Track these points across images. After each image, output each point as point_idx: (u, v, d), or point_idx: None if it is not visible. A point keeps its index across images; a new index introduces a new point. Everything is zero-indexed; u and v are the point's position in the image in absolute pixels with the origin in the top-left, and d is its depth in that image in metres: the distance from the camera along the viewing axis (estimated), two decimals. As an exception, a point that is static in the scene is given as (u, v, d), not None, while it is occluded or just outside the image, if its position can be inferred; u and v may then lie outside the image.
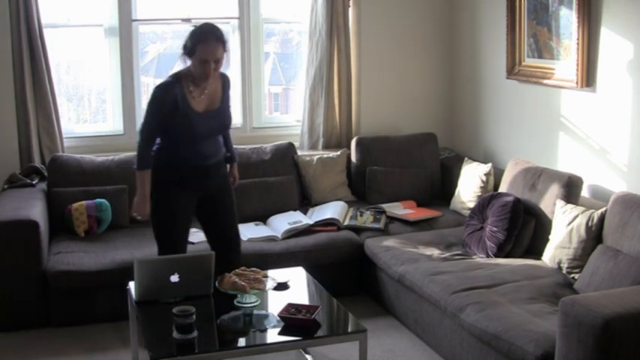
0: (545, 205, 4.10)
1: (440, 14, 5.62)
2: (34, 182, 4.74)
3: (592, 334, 2.68)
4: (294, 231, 4.57)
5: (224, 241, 3.87)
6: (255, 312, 3.11)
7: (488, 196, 4.33)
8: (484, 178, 4.74)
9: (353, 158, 5.26)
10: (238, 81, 5.41)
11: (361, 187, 5.17)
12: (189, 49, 3.53)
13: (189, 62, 3.57)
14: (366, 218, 4.72)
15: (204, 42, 3.49)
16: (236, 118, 5.48)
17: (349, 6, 5.38)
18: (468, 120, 5.54)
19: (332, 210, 4.76)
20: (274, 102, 5.87)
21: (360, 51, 5.50)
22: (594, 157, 4.24)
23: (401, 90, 5.62)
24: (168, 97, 3.54)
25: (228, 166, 4.01)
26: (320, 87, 5.36)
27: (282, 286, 3.42)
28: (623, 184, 3.97)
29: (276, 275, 3.39)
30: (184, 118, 3.56)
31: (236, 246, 3.92)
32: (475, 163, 4.95)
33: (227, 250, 3.82)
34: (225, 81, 3.77)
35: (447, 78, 5.71)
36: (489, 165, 4.83)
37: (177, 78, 3.59)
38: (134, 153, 4.94)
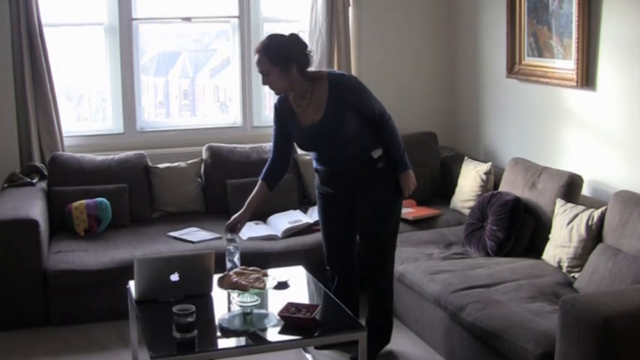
0: (545, 204, 4.10)
1: (440, 14, 5.62)
2: (34, 181, 4.74)
3: (592, 333, 2.68)
4: (294, 230, 4.57)
5: (362, 260, 3.78)
6: (255, 311, 3.11)
7: (489, 195, 4.33)
8: (484, 177, 4.74)
9: (353, 157, 5.25)
10: (238, 80, 5.41)
11: (361, 186, 5.17)
12: None
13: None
14: (366, 217, 4.71)
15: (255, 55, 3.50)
16: (236, 117, 5.49)
17: (349, 5, 5.37)
18: (468, 119, 5.54)
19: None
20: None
21: (360, 51, 5.49)
22: (594, 156, 4.24)
23: (401, 89, 5.61)
24: (280, 109, 3.64)
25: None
26: (320, 86, 5.36)
27: (282, 286, 3.41)
28: (624, 183, 3.96)
29: (276, 274, 3.39)
30: (293, 130, 3.62)
31: (374, 274, 3.75)
32: (475, 162, 4.95)
33: (366, 272, 3.76)
34: (332, 86, 3.51)
35: (447, 77, 5.70)
36: (489, 164, 4.83)
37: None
38: (134, 152, 5.00)
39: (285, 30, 5.78)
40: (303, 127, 3.55)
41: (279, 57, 3.42)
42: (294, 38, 3.52)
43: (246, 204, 3.68)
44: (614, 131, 4.09)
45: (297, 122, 3.56)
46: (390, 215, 3.69)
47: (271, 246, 4.42)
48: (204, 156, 5.05)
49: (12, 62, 4.81)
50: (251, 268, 3.32)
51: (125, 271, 3.89)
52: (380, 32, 5.52)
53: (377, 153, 3.56)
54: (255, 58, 3.48)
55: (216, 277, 3.29)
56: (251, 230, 4.59)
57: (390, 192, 3.64)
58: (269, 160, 3.75)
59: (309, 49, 3.54)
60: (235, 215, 3.66)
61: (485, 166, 4.80)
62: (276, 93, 3.59)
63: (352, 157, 3.56)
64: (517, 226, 4.11)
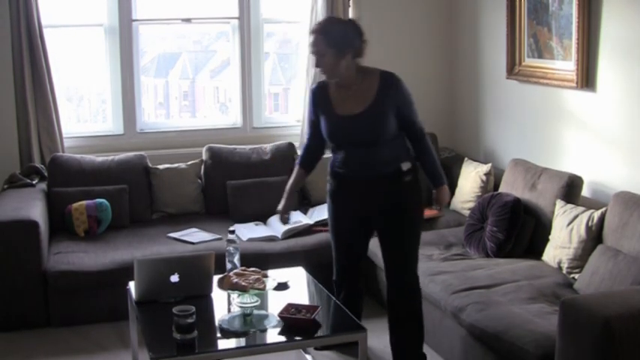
0: (545, 205, 4.10)
1: (440, 14, 5.62)
2: (34, 182, 4.74)
3: (592, 334, 2.67)
4: (294, 231, 4.57)
5: (391, 284, 3.58)
6: (255, 312, 3.11)
7: (489, 196, 4.32)
8: (484, 178, 4.74)
9: (353, 158, 5.25)
10: (238, 81, 5.41)
11: (361, 187, 5.17)
12: None
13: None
14: (366, 218, 4.71)
15: (310, 36, 3.41)
16: (236, 118, 5.49)
17: (349, 6, 5.38)
18: (468, 120, 5.54)
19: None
20: (274, 102, 5.87)
21: (360, 51, 5.49)
22: (594, 156, 4.24)
23: (401, 90, 5.61)
24: (317, 95, 3.49)
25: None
26: (320, 87, 5.36)
27: (282, 286, 3.42)
28: (624, 184, 3.96)
29: (276, 275, 3.39)
30: (326, 121, 3.45)
31: (402, 294, 3.57)
32: (475, 163, 4.95)
33: (396, 297, 3.59)
34: (384, 81, 3.42)
35: (447, 78, 5.70)
36: (489, 165, 4.83)
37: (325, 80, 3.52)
38: (134, 153, 5.00)
39: (285, 30, 5.83)
40: (338, 116, 3.41)
41: (337, 40, 3.33)
42: (353, 24, 3.46)
43: (286, 191, 3.67)
44: (614, 132, 4.09)
45: (332, 111, 3.42)
46: (416, 226, 3.54)
47: (271, 247, 4.42)
48: (204, 157, 5.05)
49: (12, 63, 4.81)
50: (251, 269, 3.32)
51: (125, 272, 3.88)
52: (380, 32, 5.51)
53: (406, 166, 3.44)
54: (310, 38, 3.39)
55: (216, 278, 3.29)
56: (251, 231, 4.59)
57: (416, 206, 3.54)
58: (305, 145, 3.70)
59: (365, 37, 3.45)
60: (281, 205, 3.66)
61: (485, 167, 4.80)
62: (328, 77, 3.44)
63: (382, 162, 3.41)
64: (517, 227, 4.11)
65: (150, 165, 4.93)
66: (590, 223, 3.70)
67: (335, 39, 3.33)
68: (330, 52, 3.33)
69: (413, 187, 3.48)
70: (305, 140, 3.73)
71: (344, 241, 3.65)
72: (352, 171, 3.46)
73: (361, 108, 3.36)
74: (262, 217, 4.80)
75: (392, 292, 3.57)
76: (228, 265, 3.57)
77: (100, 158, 4.89)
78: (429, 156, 3.50)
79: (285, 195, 3.67)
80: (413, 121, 3.45)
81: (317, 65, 3.39)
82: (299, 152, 5.20)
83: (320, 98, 3.48)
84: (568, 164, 4.38)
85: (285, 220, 3.70)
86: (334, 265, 3.73)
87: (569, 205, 3.91)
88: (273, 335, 2.99)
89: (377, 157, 3.40)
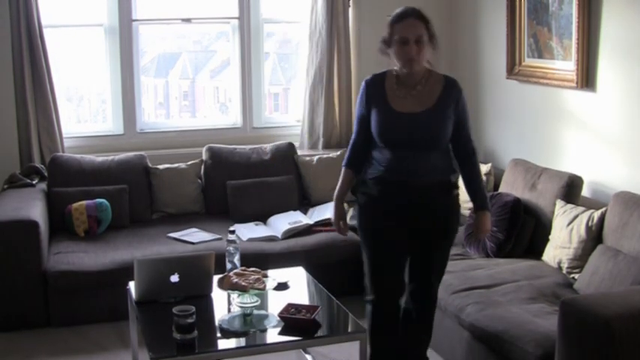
0: (545, 205, 4.10)
1: (440, 14, 5.61)
2: (34, 182, 4.74)
3: (592, 334, 2.67)
4: (294, 231, 4.57)
5: (412, 295, 3.31)
6: (255, 312, 3.11)
7: (489, 196, 4.32)
8: (484, 178, 4.73)
9: (353, 158, 5.24)
10: (238, 81, 5.41)
11: (361, 187, 5.16)
12: (388, 36, 3.17)
13: (392, 61, 3.19)
14: (366, 218, 4.71)
15: (401, 21, 3.13)
16: (236, 118, 5.50)
17: (349, 6, 5.38)
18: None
19: (332, 210, 4.75)
20: (274, 102, 5.87)
21: (360, 51, 5.49)
22: (594, 156, 4.24)
23: (401, 90, 5.61)
24: (372, 88, 3.22)
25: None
26: (320, 87, 5.36)
27: (282, 286, 3.42)
28: (624, 184, 3.96)
29: (276, 275, 3.39)
30: (378, 117, 3.16)
31: (421, 306, 3.32)
32: (475, 163, 4.95)
33: (413, 305, 3.33)
34: (448, 85, 3.19)
35: (447, 78, 5.70)
36: (489, 165, 4.83)
37: (384, 73, 3.25)
38: (134, 153, 5.00)
39: (285, 30, 5.83)
40: (395, 113, 3.14)
41: (433, 31, 3.17)
42: None
43: (335, 198, 3.35)
44: (614, 132, 4.09)
45: (389, 106, 3.15)
46: (453, 242, 3.34)
47: (271, 247, 4.42)
48: (204, 157, 5.05)
49: (12, 63, 4.81)
50: (251, 269, 3.32)
51: (125, 272, 3.88)
52: (380, 33, 5.49)
53: (454, 177, 3.23)
54: (406, 21, 3.13)
55: (216, 278, 3.29)
56: (251, 231, 4.59)
57: (458, 222, 3.34)
58: (351, 143, 3.33)
59: None
60: (334, 215, 3.38)
61: (485, 167, 4.80)
62: (416, 68, 3.13)
63: (434, 169, 3.16)
64: (517, 227, 4.11)
65: (150, 165, 4.93)
66: (590, 223, 3.70)
67: (432, 29, 3.17)
68: (427, 42, 3.12)
69: (458, 203, 3.28)
70: (352, 140, 3.34)
71: (385, 253, 3.26)
72: (399, 175, 3.15)
73: (422, 108, 3.13)
74: (262, 217, 4.80)
75: (413, 302, 3.32)
76: (228, 265, 3.57)
77: (100, 158, 4.89)
78: (478, 176, 3.29)
79: (334, 203, 3.36)
80: (468, 134, 3.24)
81: (411, 51, 3.08)
82: (299, 152, 5.24)
83: (375, 91, 3.22)
84: (568, 164, 4.38)
85: (344, 232, 3.39)
86: (369, 283, 3.30)
87: (569, 205, 3.91)
88: (273, 335, 2.99)
89: (428, 164, 3.14)
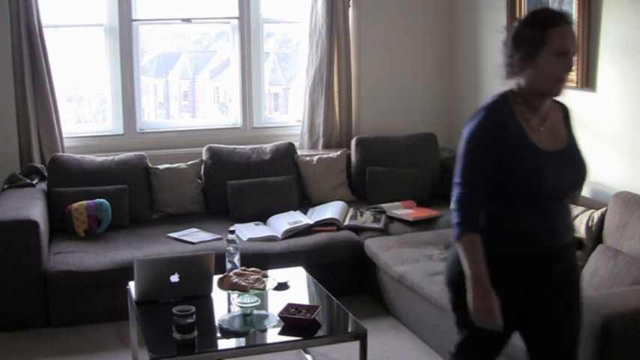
0: (545, 205, 4.09)
1: (440, 14, 5.62)
2: (34, 182, 4.74)
3: (592, 334, 2.67)
4: (294, 231, 4.57)
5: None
6: (255, 312, 3.11)
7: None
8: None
9: (353, 158, 5.26)
10: (238, 81, 5.42)
11: (361, 187, 5.17)
12: (535, 42, 2.40)
13: (523, 74, 2.53)
14: (366, 218, 4.72)
15: (559, 25, 2.34)
16: (236, 118, 5.50)
17: (349, 6, 5.38)
18: (468, 120, 5.52)
19: (332, 210, 4.76)
20: (274, 102, 5.87)
21: (360, 51, 5.50)
22: (594, 156, 4.23)
23: (401, 90, 5.62)
24: (498, 128, 2.39)
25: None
26: (320, 87, 5.37)
27: (282, 286, 3.42)
28: (624, 184, 3.96)
29: (276, 275, 3.39)
30: (523, 161, 2.35)
31: None
32: (475, 163, 4.94)
33: None
34: (565, 110, 2.53)
35: (447, 78, 5.70)
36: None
37: (504, 98, 2.53)
38: (134, 153, 4.99)
39: (285, 30, 5.83)
40: (544, 153, 2.38)
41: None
42: None
43: (481, 276, 2.31)
44: (614, 132, 4.09)
45: (534, 145, 2.38)
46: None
47: (271, 247, 4.42)
48: (204, 157, 5.05)
49: (12, 63, 4.81)
50: (251, 269, 3.32)
51: (125, 272, 3.89)
52: (380, 33, 5.52)
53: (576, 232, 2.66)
54: (568, 29, 2.37)
55: (216, 278, 3.29)
56: (251, 231, 4.59)
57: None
58: (474, 202, 2.38)
59: None
60: (493, 302, 2.29)
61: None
62: (563, 87, 2.41)
63: (570, 225, 2.48)
64: (517, 227, 4.08)
65: (150, 165, 4.93)
66: (590, 223, 3.70)
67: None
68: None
69: (576, 265, 2.57)
70: (471, 197, 2.37)
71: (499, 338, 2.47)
72: (546, 237, 2.39)
73: (562, 142, 2.44)
74: (262, 217, 4.80)
75: None
76: (228, 265, 3.57)
77: (100, 158, 4.89)
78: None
79: (482, 286, 2.31)
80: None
81: (568, 67, 2.36)
82: (299, 152, 5.24)
83: (512, 128, 2.39)
84: (568, 164, 4.37)
85: (499, 326, 2.32)
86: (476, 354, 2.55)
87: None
88: (273, 335, 2.99)
89: (568, 217, 2.46)
